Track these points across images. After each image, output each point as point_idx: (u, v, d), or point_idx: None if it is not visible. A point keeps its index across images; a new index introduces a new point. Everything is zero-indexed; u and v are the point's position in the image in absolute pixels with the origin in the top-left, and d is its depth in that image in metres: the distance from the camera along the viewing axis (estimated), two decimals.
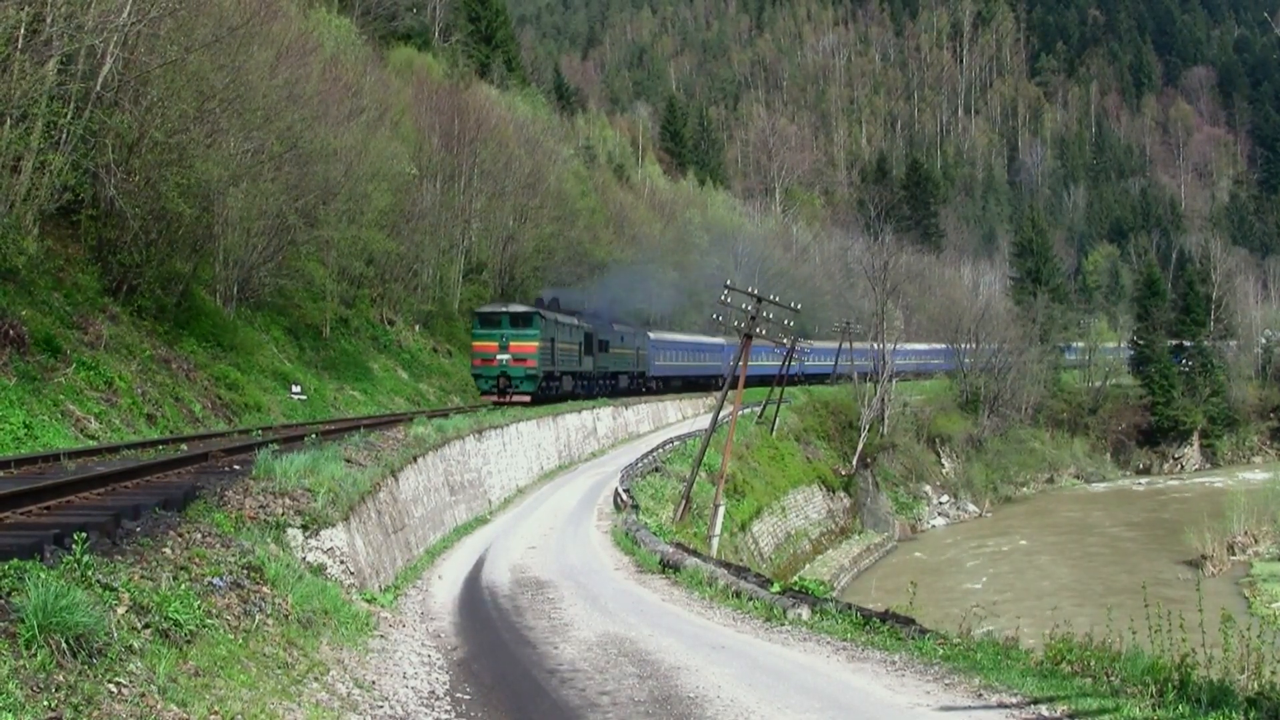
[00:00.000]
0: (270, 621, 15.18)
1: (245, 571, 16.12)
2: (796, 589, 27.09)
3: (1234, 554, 70.31)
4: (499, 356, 61.45)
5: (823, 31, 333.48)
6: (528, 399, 61.20)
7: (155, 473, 20.34)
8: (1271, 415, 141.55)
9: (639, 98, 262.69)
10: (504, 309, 63.53)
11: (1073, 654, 18.31)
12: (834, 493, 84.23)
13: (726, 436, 53.12)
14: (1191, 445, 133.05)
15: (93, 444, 27.87)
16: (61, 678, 9.56)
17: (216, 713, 11.22)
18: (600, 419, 71.02)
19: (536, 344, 61.63)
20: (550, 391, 65.38)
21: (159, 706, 10.40)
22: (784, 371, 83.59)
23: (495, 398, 61.08)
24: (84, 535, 12.00)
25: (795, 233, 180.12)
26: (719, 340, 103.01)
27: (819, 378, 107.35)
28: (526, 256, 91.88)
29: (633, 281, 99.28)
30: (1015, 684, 16.87)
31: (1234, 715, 14.40)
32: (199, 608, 13.12)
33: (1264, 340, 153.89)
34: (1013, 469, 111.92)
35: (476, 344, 63.17)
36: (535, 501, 47.48)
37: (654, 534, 36.28)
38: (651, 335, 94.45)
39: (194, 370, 42.15)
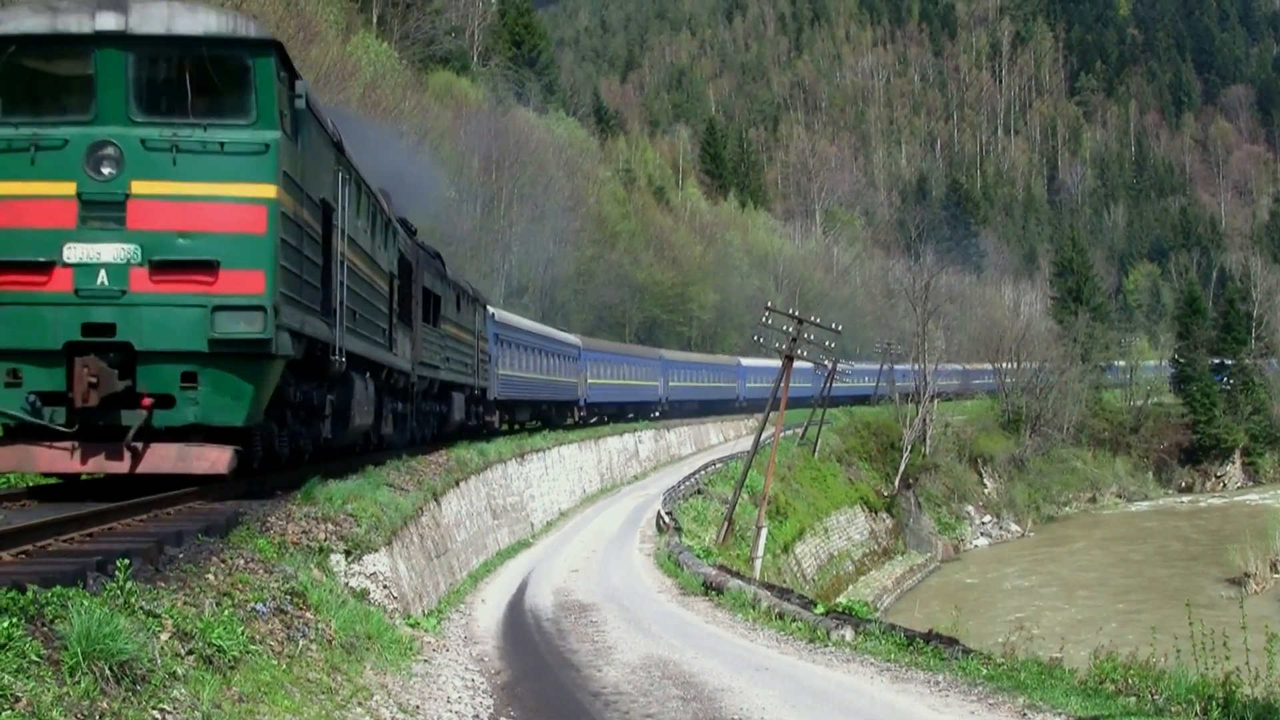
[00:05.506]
0: (314, 647, 15.18)
1: (288, 597, 16.10)
2: (840, 610, 27.04)
3: (1277, 571, 69.91)
4: (84, 249, 16.63)
5: (861, 53, 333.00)
6: (227, 464, 18.66)
7: (197, 499, 20.40)
8: None
9: (678, 120, 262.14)
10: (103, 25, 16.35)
11: (1117, 673, 18.25)
12: (876, 513, 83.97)
13: (769, 458, 52.99)
14: (1234, 463, 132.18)
15: None
16: (105, 705, 9.57)
17: None
18: (642, 442, 71.01)
19: (268, 210, 16.87)
20: (284, 446, 21.65)
21: None
22: (825, 392, 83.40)
23: (64, 460, 17.90)
24: (127, 562, 12.00)
25: (836, 254, 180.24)
26: (574, 340, 70.61)
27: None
28: (567, 279, 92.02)
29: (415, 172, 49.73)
30: (1059, 703, 16.79)
31: None
32: (242, 634, 13.11)
33: None
34: (1055, 488, 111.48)
35: None
36: (578, 525, 47.47)
37: (697, 556, 36.23)
38: (495, 314, 51.70)
39: None
